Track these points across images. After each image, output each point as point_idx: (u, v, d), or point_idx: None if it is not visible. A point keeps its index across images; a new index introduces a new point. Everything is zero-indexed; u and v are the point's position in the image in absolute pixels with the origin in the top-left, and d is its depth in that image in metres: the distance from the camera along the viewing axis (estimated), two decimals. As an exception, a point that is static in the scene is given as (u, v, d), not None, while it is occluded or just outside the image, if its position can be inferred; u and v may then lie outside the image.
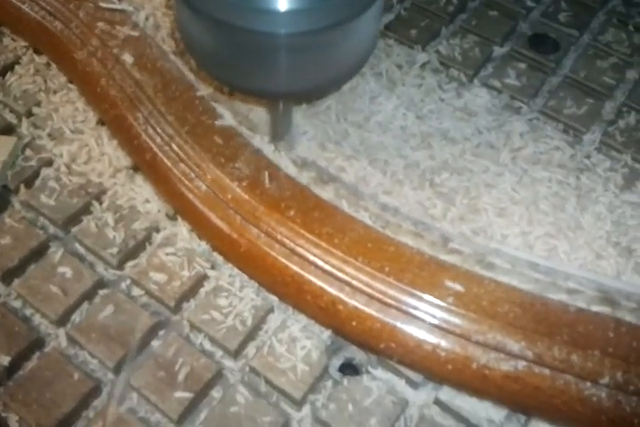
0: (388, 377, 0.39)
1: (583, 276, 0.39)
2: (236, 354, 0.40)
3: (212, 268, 0.43)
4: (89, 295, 0.42)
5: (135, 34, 0.49)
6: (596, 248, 0.41)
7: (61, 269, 0.43)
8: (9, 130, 0.50)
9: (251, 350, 0.41)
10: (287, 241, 0.40)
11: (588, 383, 0.35)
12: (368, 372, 0.40)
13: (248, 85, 0.38)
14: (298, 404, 0.39)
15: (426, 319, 0.37)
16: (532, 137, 0.49)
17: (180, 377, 0.39)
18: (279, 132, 0.44)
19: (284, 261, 0.40)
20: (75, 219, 0.46)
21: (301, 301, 0.40)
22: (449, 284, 0.37)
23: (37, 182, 0.47)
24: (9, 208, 0.46)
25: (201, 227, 0.43)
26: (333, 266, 0.39)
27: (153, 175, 0.45)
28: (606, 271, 0.40)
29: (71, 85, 0.52)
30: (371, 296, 0.38)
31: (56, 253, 0.44)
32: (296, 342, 0.40)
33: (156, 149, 0.44)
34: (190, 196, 0.43)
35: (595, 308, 0.37)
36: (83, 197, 0.46)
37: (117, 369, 0.40)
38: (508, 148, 0.48)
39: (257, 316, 0.41)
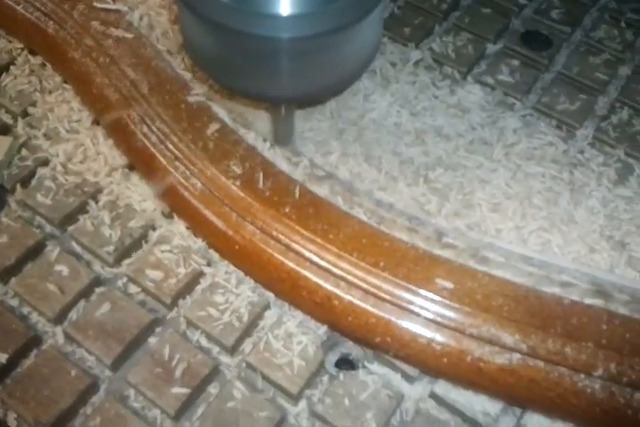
0: (384, 371, 0.40)
1: (577, 269, 0.39)
2: (232, 350, 0.41)
3: (209, 265, 0.44)
4: (86, 293, 0.43)
5: (129, 34, 0.50)
6: (589, 242, 0.42)
7: (58, 268, 0.43)
8: (5, 130, 0.50)
9: (247, 345, 0.41)
10: (283, 237, 0.40)
11: (582, 375, 0.35)
12: (364, 366, 0.40)
13: (250, 90, 0.38)
14: (294, 399, 0.39)
15: (421, 313, 0.37)
16: (526, 133, 0.49)
17: (177, 373, 0.39)
18: (281, 136, 0.44)
19: (279, 257, 0.40)
20: (71, 218, 0.46)
21: (297, 296, 0.40)
22: (440, 282, 0.37)
23: (33, 182, 0.47)
24: (5, 208, 0.46)
25: (197, 224, 0.44)
26: (329, 262, 0.39)
27: (149, 174, 0.46)
28: (600, 265, 0.41)
29: (66, 85, 0.52)
30: (366, 291, 0.38)
31: (53, 251, 0.44)
32: (292, 338, 0.40)
33: (151, 147, 0.44)
34: (186, 193, 0.43)
35: (588, 301, 0.37)
36: (79, 196, 0.46)
37: (114, 366, 0.40)
38: (502, 144, 0.48)
39: (253, 312, 0.41)
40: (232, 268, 0.44)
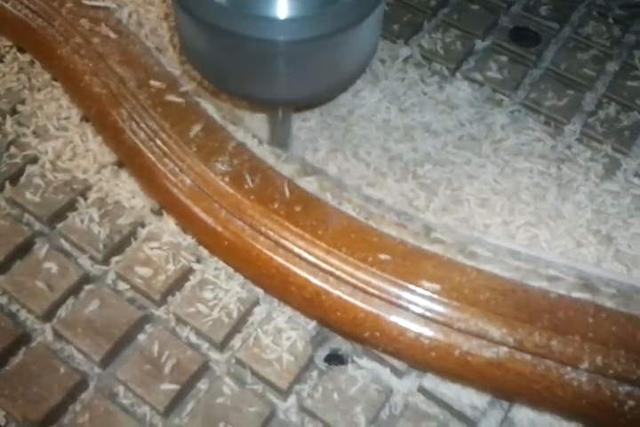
0: (373, 366, 0.40)
1: (563, 263, 0.39)
2: (221, 346, 0.41)
3: (198, 261, 0.44)
4: (75, 290, 0.43)
5: (118, 31, 0.50)
6: (576, 236, 0.42)
7: (47, 265, 0.43)
8: (-7, 128, 0.50)
9: (237, 341, 0.41)
10: (271, 233, 0.40)
11: (569, 368, 0.35)
12: (353, 361, 0.40)
13: (247, 93, 0.38)
14: (284, 394, 0.39)
15: (409, 308, 0.37)
16: (514, 129, 0.49)
17: (167, 370, 0.39)
18: (278, 138, 0.44)
19: (268, 253, 0.40)
20: (60, 215, 0.46)
21: (286, 292, 0.40)
22: (426, 284, 0.37)
23: (22, 179, 0.47)
24: (-6, 205, 0.46)
25: (186, 221, 0.44)
26: (317, 257, 0.39)
27: (138, 171, 0.46)
28: (587, 259, 0.41)
29: (55, 83, 0.52)
30: (355, 286, 0.38)
31: (41, 249, 0.44)
32: (282, 334, 0.40)
33: (140, 144, 0.44)
34: (175, 190, 0.43)
35: (575, 294, 0.38)
36: (68, 193, 0.46)
37: (103, 363, 0.40)
38: (490, 139, 0.48)
39: (242, 308, 0.41)
40: (221, 264, 0.44)
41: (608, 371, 0.35)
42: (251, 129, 0.45)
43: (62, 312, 0.42)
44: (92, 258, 0.44)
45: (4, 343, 0.40)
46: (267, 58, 0.34)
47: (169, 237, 0.44)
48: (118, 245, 0.44)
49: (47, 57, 0.51)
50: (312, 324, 0.41)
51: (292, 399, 0.39)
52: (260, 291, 0.43)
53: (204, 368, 0.40)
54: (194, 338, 0.41)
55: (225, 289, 0.42)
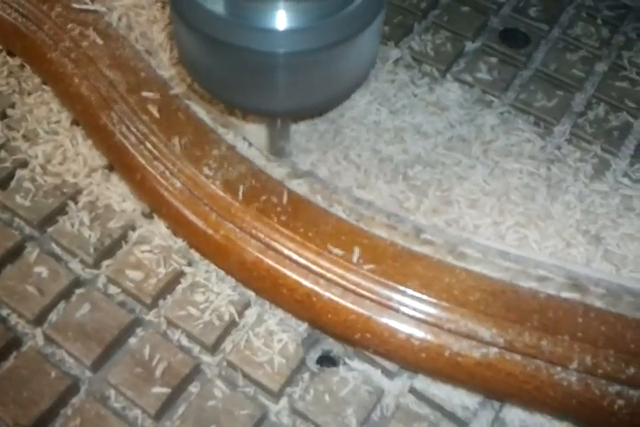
0: (364, 368, 0.40)
1: (553, 263, 0.39)
2: (213, 349, 0.41)
3: (189, 264, 0.44)
4: (65, 294, 0.42)
5: (108, 34, 0.50)
6: (565, 237, 0.42)
7: (37, 269, 0.43)
8: (-17, 132, 0.50)
9: (228, 344, 0.41)
10: (262, 236, 0.40)
11: (559, 368, 0.35)
12: (345, 363, 0.40)
13: (246, 104, 0.38)
14: (275, 396, 0.39)
15: (399, 309, 0.37)
16: (504, 130, 0.49)
17: (158, 373, 0.39)
18: (277, 148, 0.44)
19: (259, 255, 0.40)
20: (50, 219, 0.46)
21: (277, 294, 0.40)
22: (417, 286, 0.38)
23: (12, 184, 0.47)
24: (-16, 210, 0.46)
25: (177, 224, 0.44)
26: (308, 259, 0.39)
27: (128, 174, 0.46)
28: (576, 259, 0.41)
29: (45, 87, 0.52)
30: (345, 288, 0.38)
31: (32, 253, 0.44)
32: (273, 336, 0.41)
33: (130, 147, 0.44)
34: (165, 193, 0.43)
35: (564, 294, 0.38)
36: (58, 197, 0.46)
37: (94, 367, 0.40)
38: (480, 141, 0.48)
39: (234, 311, 0.41)
40: (212, 267, 0.44)
41: (597, 371, 0.35)
42: (241, 132, 0.46)
43: (53, 316, 0.42)
44: (82, 262, 0.44)
45: (-5, 348, 0.40)
46: (266, 69, 0.34)
47: (160, 240, 0.44)
48: (109, 249, 0.44)
49: (37, 61, 0.51)
50: (303, 326, 0.41)
51: (283, 402, 0.39)
52: (251, 294, 0.43)
53: (196, 371, 0.40)
54: (185, 341, 0.41)
55: (216, 292, 0.42)
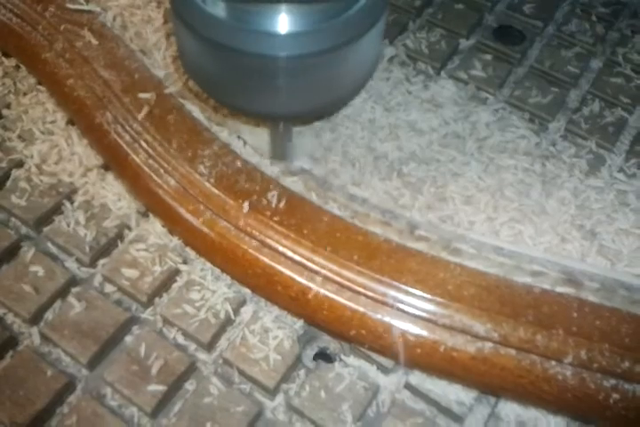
0: (360, 364, 0.40)
1: (547, 258, 0.39)
2: (209, 347, 0.41)
3: (185, 262, 0.44)
4: (61, 293, 0.43)
5: (103, 34, 0.50)
6: (560, 232, 0.42)
7: (33, 269, 0.43)
8: (-21, 133, 0.50)
9: (223, 342, 0.41)
10: (257, 233, 0.40)
11: (553, 362, 0.35)
12: (340, 360, 0.40)
13: (248, 107, 0.37)
14: (271, 393, 0.39)
15: (394, 305, 0.37)
16: (498, 126, 0.49)
17: (154, 371, 0.39)
18: (279, 152, 0.44)
19: (254, 253, 0.40)
20: (46, 219, 0.46)
21: (273, 292, 0.40)
22: (411, 281, 0.37)
23: (8, 184, 0.47)
24: (-20, 210, 0.46)
25: (172, 222, 0.44)
26: (303, 256, 0.39)
27: (123, 173, 0.46)
28: (571, 254, 0.41)
29: (40, 87, 0.52)
30: (340, 285, 0.38)
31: (28, 252, 0.44)
32: (268, 333, 0.41)
33: (125, 146, 0.45)
34: (160, 192, 0.43)
35: (559, 289, 0.38)
36: (54, 196, 0.46)
37: (91, 365, 0.40)
38: (475, 137, 0.48)
39: (229, 308, 0.42)
40: (208, 265, 0.44)
41: (592, 365, 0.35)
42: (235, 130, 0.46)
43: (49, 315, 0.42)
44: (78, 261, 0.44)
45: (-9, 347, 0.40)
46: (268, 73, 0.34)
47: (155, 238, 0.44)
48: (105, 248, 0.44)
49: (32, 61, 0.51)
50: (299, 323, 0.41)
51: (279, 398, 0.39)
52: (247, 291, 0.43)
53: (192, 369, 0.40)
54: (181, 339, 0.41)
55: (212, 290, 0.42)
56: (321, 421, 0.38)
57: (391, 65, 0.54)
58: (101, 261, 0.44)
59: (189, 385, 0.40)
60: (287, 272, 0.39)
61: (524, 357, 0.35)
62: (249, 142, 0.45)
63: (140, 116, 0.45)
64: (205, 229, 0.41)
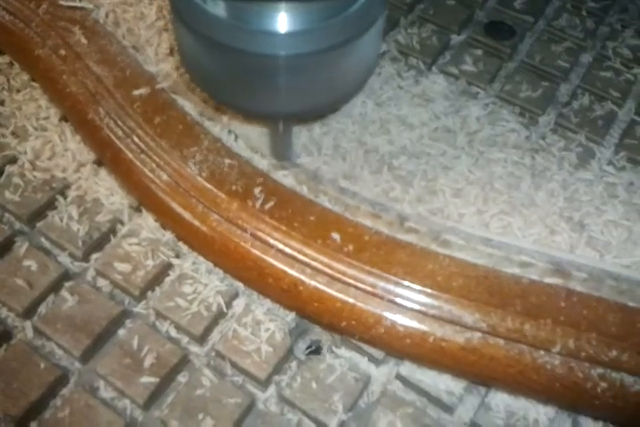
0: (351, 355, 0.40)
1: (536, 249, 0.40)
2: (201, 339, 0.41)
3: (177, 256, 0.44)
4: (54, 287, 0.43)
5: (95, 31, 0.50)
6: (549, 223, 0.42)
7: (27, 263, 0.43)
8: (-27, 130, 0.50)
9: (216, 334, 0.41)
10: (248, 226, 0.40)
11: (542, 352, 0.36)
12: (332, 351, 0.40)
13: (248, 106, 0.37)
14: (263, 385, 0.39)
15: (384, 296, 0.38)
16: (489, 120, 0.50)
17: (146, 363, 0.39)
18: (280, 151, 0.44)
19: (245, 246, 0.40)
20: (40, 214, 0.46)
21: (264, 284, 0.41)
22: (401, 273, 0.38)
23: (2, 179, 0.47)
24: (-26, 206, 0.46)
25: (164, 216, 0.44)
26: (294, 248, 0.40)
27: (116, 168, 0.46)
28: (560, 246, 0.41)
29: (34, 84, 0.53)
30: (331, 277, 0.39)
31: (21, 247, 0.44)
32: (260, 325, 0.41)
33: (117, 142, 0.45)
34: (152, 186, 0.43)
35: (547, 280, 0.38)
36: (47, 192, 0.47)
37: (84, 358, 0.40)
38: (465, 131, 0.49)
39: (222, 301, 0.42)
40: (201, 259, 0.44)
41: (580, 354, 0.35)
42: (227, 124, 0.46)
43: (42, 309, 0.42)
44: (71, 255, 0.44)
45: (-15, 341, 0.40)
46: (267, 72, 0.34)
47: (148, 233, 0.45)
48: (97, 242, 0.45)
49: (25, 58, 0.52)
50: (291, 315, 0.42)
51: (271, 390, 0.39)
52: (239, 284, 0.43)
53: (184, 361, 0.40)
54: (173, 332, 0.42)
55: (204, 283, 0.43)
56: (312, 411, 0.38)
57: (382, 60, 0.54)
58: (94, 256, 0.44)
59: (182, 377, 0.40)
60: (278, 265, 0.40)
61: (512, 346, 0.36)
62: (240, 137, 0.45)
63: (133, 112, 0.45)
64: (197, 223, 0.42)
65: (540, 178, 0.46)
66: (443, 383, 0.38)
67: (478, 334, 0.36)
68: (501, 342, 0.36)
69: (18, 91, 0.52)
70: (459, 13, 0.58)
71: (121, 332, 0.42)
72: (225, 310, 0.42)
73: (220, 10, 0.32)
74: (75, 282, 0.43)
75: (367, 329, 0.38)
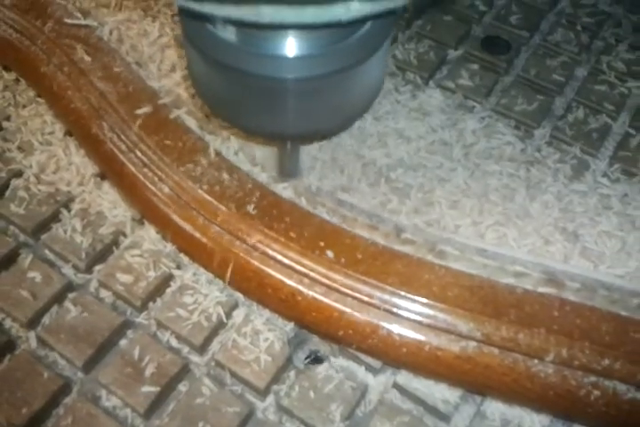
0: (349, 364, 0.41)
1: (530, 260, 0.40)
2: (201, 349, 0.42)
3: (178, 268, 0.45)
4: (58, 299, 0.44)
5: (99, 48, 0.51)
6: (544, 234, 0.43)
7: (31, 275, 0.44)
8: (-21, 145, 0.51)
9: (216, 344, 0.42)
10: (247, 238, 0.41)
11: (536, 360, 0.36)
12: (330, 361, 0.41)
13: (256, 128, 0.38)
14: (262, 394, 0.40)
15: (380, 306, 0.38)
16: (485, 133, 0.51)
17: (147, 373, 0.40)
18: (287, 170, 0.45)
19: (245, 257, 0.41)
20: (44, 226, 0.47)
21: (263, 294, 0.41)
22: (397, 283, 0.38)
23: (7, 193, 0.48)
24: (-20, 219, 0.47)
25: (166, 228, 0.45)
26: (292, 259, 0.40)
27: (119, 181, 0.47)
28: (554, 256, 0.42)
29: (39, 99, 0.54)
30: (328, 287, 0.39)
31: (26, 259, 0.45)
32: (259, 335, 0.42)
33: (120, 156, 0.46)
34: (154, 199, 0.44)
35: (541, 289, 0.39)
36: (52, 205, 0.48)
37: (86, 368, 0.41)
38: (461, 144, 0.49)
39: (221, 312, 0.42)
40: (201, 270, 0.45)
41: (573, 362, 0.36)
42: (227, 139, 0.47)
43: (46, 320, 0.43)
44: (74, 267, 0.45)
45: (-11, 351, 0.41)
46: (275, 95, 0.34)
47: (150, 244, 0.46)
48: (100, 254, 0.46)
49: (31, 75, 0.53)
50: (290, 325, 0.42)
51: (270, 399, 0.40)
52: (239, 295, 0.44)
53: (185, 371, 0.41)
54: (174, 342, 0.42)
55: (204, 294, 0.43)
56: (310, 420, 0.38)
57: (380, 75, 0.55)
58: (97, 267, 0.45)
59: (182, 386, 0.41)
60: (277, 275, 0.40)
61: (506, 355, 0.36)
62: (240, 150, 0.46)
63: (135, 127, 0.46)
64: (198, 235, 0.43)
65: (535, 190, 0.46)
66: (439, 392, 0.39)
67: (473, 343, 0.37)
68: (496, 350, 0.36)
69: (24, 106, 0.54)
70: (456, 29, 0.59)
71: (123, 342, 0.42)
72: (225, 320, 0.43)
73: (229, 34, 0.33)
74: (78, 293, 0.44)
75: (364, 338, 0.39)
